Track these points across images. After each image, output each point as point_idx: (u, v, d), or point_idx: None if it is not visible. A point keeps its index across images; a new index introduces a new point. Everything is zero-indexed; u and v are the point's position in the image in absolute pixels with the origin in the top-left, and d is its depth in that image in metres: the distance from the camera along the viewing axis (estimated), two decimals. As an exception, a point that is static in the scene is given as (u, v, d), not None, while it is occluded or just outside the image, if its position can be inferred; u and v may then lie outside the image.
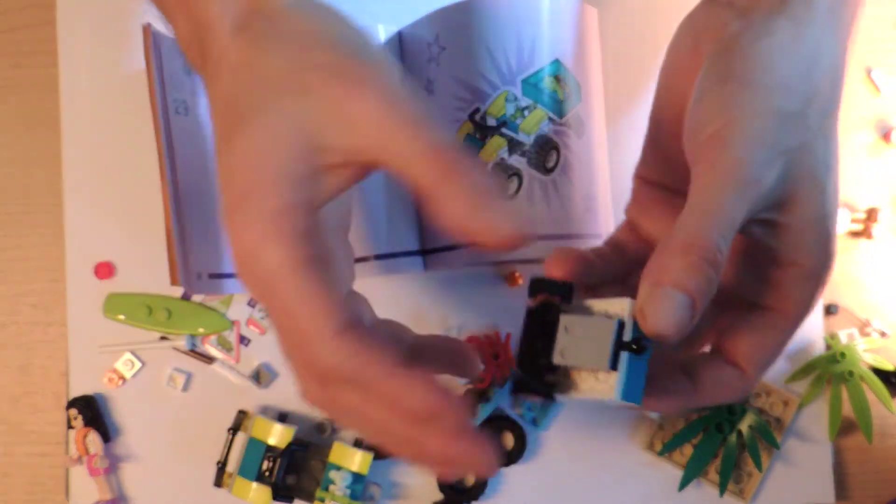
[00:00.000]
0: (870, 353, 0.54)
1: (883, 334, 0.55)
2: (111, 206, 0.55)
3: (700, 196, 0.34)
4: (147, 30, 0.49)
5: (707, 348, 0.40)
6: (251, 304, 0.55)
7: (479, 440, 0.31)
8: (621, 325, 0.32)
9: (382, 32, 0.52)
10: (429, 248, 0.53)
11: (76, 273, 0.55)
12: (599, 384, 0.33)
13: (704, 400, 0.37)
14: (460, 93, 0.50)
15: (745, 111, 0.34)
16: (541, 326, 0.35)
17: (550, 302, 0.35)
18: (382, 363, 0.30)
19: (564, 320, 0.34)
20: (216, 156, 0.34)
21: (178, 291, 0.54)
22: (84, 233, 0.55)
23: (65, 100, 0.55)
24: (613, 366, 0.32)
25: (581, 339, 0.34)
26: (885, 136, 0.56)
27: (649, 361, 0.33)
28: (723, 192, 0.33)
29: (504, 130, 0.50)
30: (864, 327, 0.55)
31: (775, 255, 0.36)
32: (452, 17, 0.50)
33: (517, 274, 0.54)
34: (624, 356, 0.32)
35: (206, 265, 0.49)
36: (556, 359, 0.34)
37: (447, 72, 0.50)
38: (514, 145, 0.49)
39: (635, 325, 0.33)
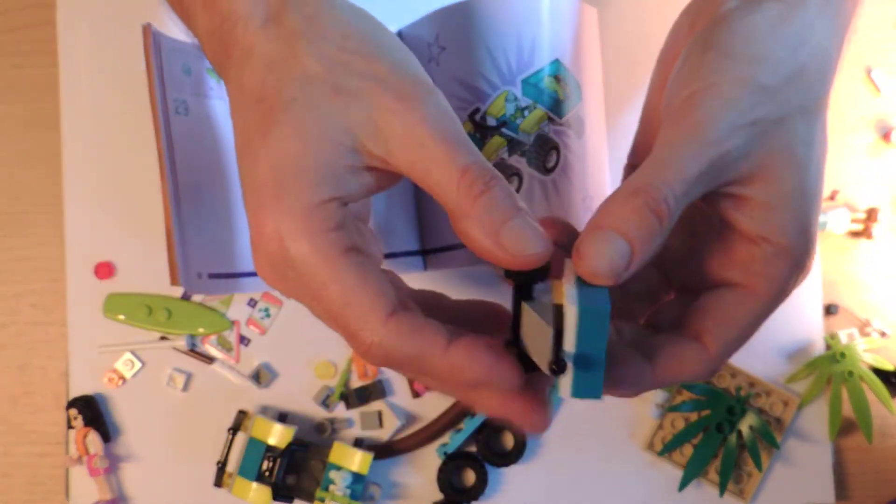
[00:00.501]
0: (870, 353, 0.54)
1: (883, 334, 0.55)
2: (111, 206, 0.55)
3: (657, 150, 0.33)
4: (147, 29, 0.49)
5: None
6: (251, 304, 0.55)
7: (528, 402, 0.33)
8: (559, 335, 0.30)
9: None
10: (429, 248, 0.53)
11: (76, 273, 0.55)
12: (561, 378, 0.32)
13: (663, 379, 0.35)
14: (460, 93, 0.50)
15: (720, 78, 0.34)
16: (518, 303, 0.34)
17: (530, 276, 0.33)
18: (435, 342, 0.32)
19: (526, 307, 0.33)
20: (243, 146, 0.34)
21: (178, 291, 0.54)
22: (84, 233, 0.55)
23: (65, 100, 0.55)
24: (554, 372, 0.30)
25: (533, 332, 0.32)
26: (885, 136, 0.56)
27: (607, 353, 0.31)
28: (680, 147, 0.33)
29: (504, 130, 0.50)
30: (864, 327, 0.55)
31: (746, 232, 0.35)
32: (452, 17, 0.50)
33: (517, 274, 0.54)
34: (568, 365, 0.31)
35: (205, 265, 0.49)
36: (521, 343, 0.34)
37: (447, 72, 0.50)
38: (514, 145, 0.49)
39: (580, 337, 0.30)
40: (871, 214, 0.55)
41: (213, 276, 0.50)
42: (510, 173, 0.49)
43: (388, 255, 0.52)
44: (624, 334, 0.38)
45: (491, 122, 0.50)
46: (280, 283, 0.34)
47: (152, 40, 0.48)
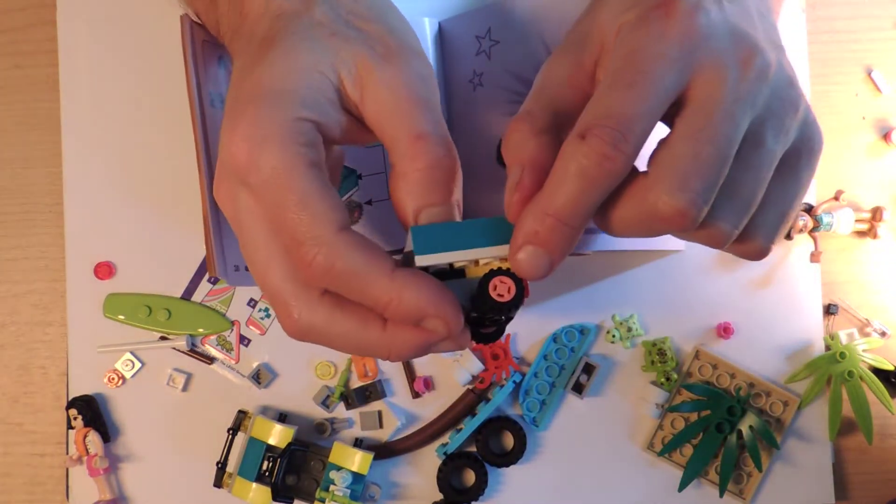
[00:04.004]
0: (870, 353, 0.54)
1: (883, 334, 0.55)
2: (111, 206, 0.55)
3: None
4: (184, 20, 0.48)
5: None
6: (251, 304, 0.55)
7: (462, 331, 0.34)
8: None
9: (428, 26, 0.53)
10: None
11: (76, 273, 0.55)
12: None
13: (622, 219, 0.32)
14: (514, 86, 0.51)
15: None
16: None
17: None
18: (383, 262, 0.32)
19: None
20: (236, 80, 0.36)
21: (178, 291, 0.54)
22: (84, 233, 0.55)
23: (65, 100, 0.55)
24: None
25: None
26: (886, 136, 0.56)
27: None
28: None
29: None
30: (864, 327, 0.55)
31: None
32: (506, 11, 0.50)
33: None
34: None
35: (237, 258, 0.48)
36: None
37: (499, 65, 0.51)
38: None
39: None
40: (876, 214, 0.54)
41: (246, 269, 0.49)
42: None
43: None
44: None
45: None
46: (232, 198, 0.35)
47: (188, 33, 0.48)
